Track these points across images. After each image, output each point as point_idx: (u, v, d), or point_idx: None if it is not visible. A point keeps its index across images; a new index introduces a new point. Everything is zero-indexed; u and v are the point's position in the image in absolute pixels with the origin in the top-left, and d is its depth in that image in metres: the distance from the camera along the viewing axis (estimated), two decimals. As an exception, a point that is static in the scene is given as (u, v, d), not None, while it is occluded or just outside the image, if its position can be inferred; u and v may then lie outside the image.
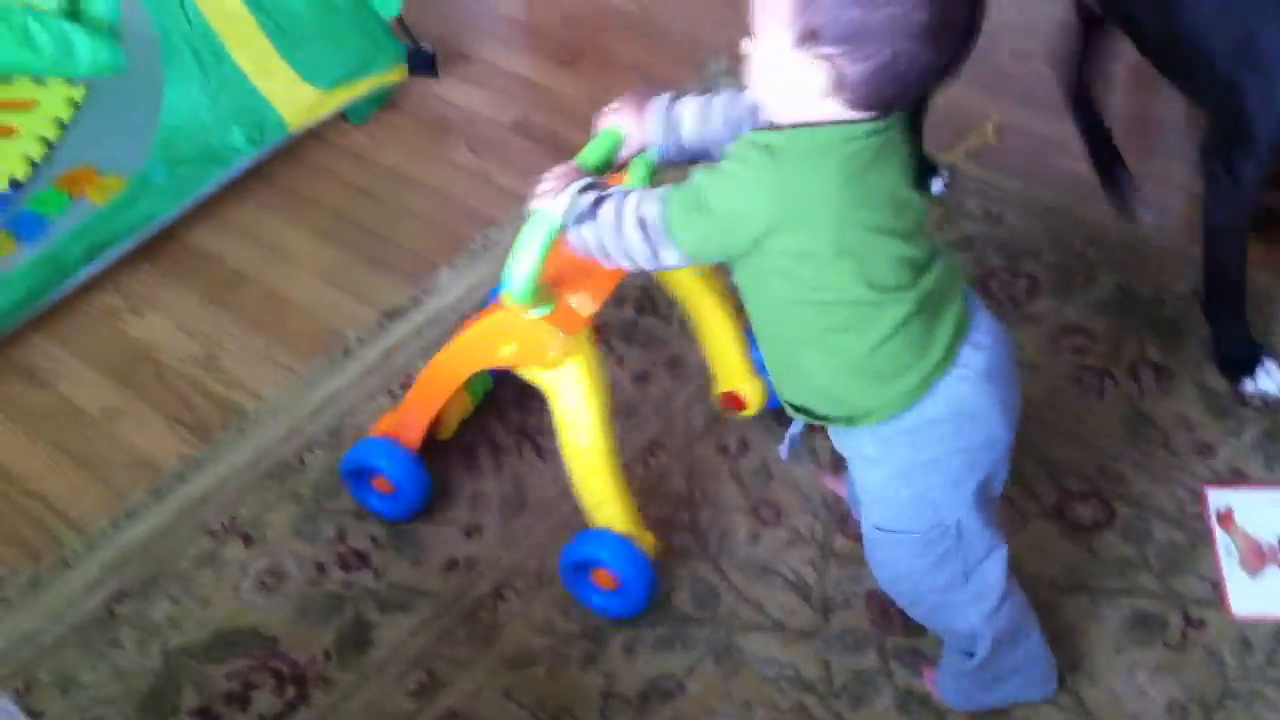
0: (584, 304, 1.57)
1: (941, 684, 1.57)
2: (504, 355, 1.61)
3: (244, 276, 2.21)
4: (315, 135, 2.46)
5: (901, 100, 1.19)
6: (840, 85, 1.16)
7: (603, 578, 1.65)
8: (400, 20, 2.52)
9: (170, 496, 1.86)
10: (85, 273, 2.16)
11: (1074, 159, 2.25)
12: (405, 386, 1.97)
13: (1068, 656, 1.59)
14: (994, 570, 1.39)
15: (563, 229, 1.37)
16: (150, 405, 2.00)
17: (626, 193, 1.30)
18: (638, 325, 2.06)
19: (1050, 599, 1.65)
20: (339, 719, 1.61)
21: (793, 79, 1.18)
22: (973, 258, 2.12)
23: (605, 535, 1.64)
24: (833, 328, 1.26)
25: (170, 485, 1.88)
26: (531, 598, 1.71)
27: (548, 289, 1.53)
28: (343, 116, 2.49)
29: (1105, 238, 2.12)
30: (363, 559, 1.77)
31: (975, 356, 1.29)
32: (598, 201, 1.32)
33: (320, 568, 1.76)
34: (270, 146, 2.37)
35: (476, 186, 2.37)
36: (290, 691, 1.63)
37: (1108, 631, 1.63)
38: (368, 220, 2.28)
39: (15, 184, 2.34)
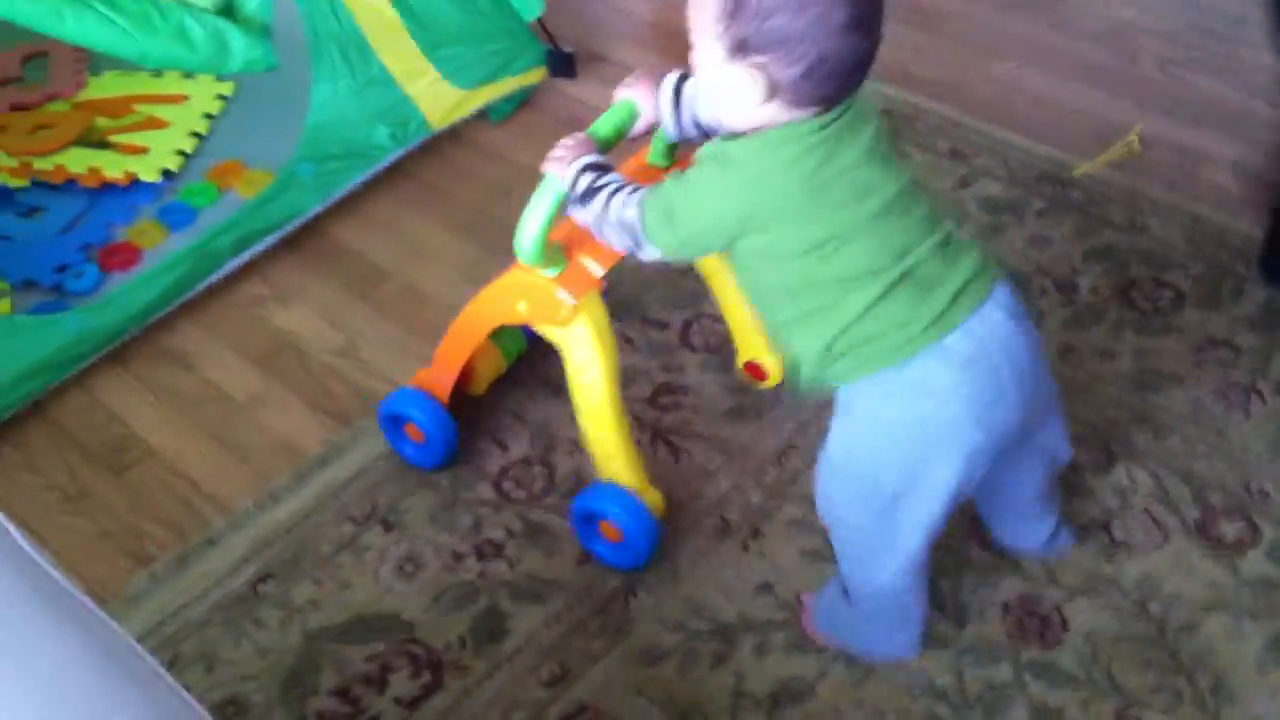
0: (594, 266, 1.63)
1: (816, 607, 1.64)
2: (519, 312, 1.69)
3: (383, 270, 2.26)
4: (455, 133, 2.51)
5: (842, 91, 1.25)
6: (777, 89, 1.23)
7: (609, 530, 1.72)
8: (540, 22, 2.56)
9: (312, 481, 1.91)
10: (233, 263, 2.22)
11: (1220, 171, 2.22)
12: (542, 380, 2.01)
13: (1206, 676, 1.56)
14: (913, 541, 1.43)
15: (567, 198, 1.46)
16: (293, 392, 2.06)
17: (618, 188, 1.41)
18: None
19: (1190, 617, 1.63)
20: (473, 705, 1.64)
21: (732, 89, 1.25)
22: (1115, 266, 2.09)
23: (612, 489, 1.71)
24: (805, 311, 1.34)
25: (312, 470, 1.92)
26: (663, 594, 1.73)
27: (559, 250, 1.60)
28: (482, 114, 2.53)
29: (1253, 251, 2.08)
30: (498, 549, 1.80)
31: (961, 342, 1.31)
32: (592, 189, 1.42)
33: (456, 556, 1.80)
34: (413, 144, 2.42)
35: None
36: (426, 676, 1.67)
37: (1250, 653, 1.60)
38: (505, 217, 2.28)
39: (167, 174, 2.43)
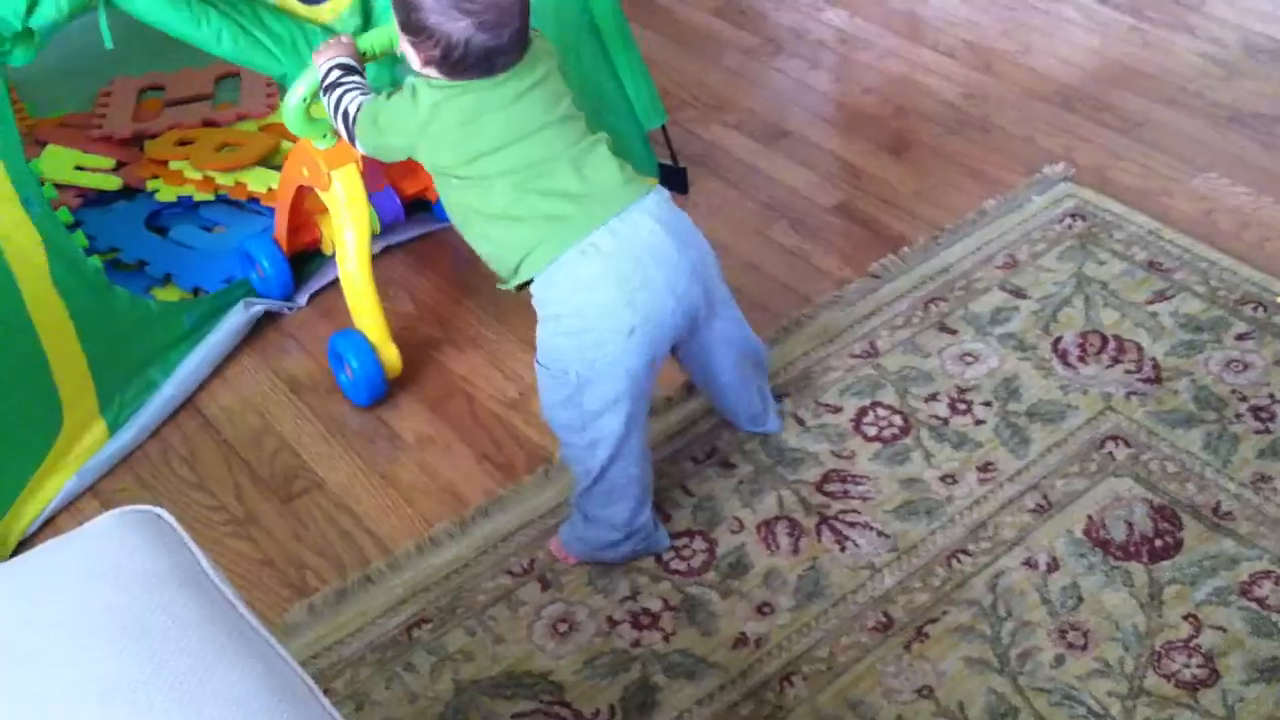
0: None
1: (561, 533, 1.88)
2: (305, 176, 2.14)
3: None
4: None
5: (480, 71, 1.65)
6: (428, 61, 1.66)
7: (347, 370, 2.12)
8: (664, 130, 2.53)
9: (474, 530, 1.93)
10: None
11: None
12: (709, 454, 2.02)
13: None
14: (612, 422, 1.71)
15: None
16: (462, 438, 2.09)
17: (352, 88, 1.84)
18: (949, 424, 2.05)
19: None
20: (617, 777, 1.63)
21: (406, 52, 1.70)
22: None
23: (354, 336, 2.11)
24: (472, 218, 1.73)
25: (475, 519, 1.95)
26: (820, 686, 1.71)
27: (325, 126, 2.02)
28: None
29: None
30: (654, 619, 1.80)
31: (606, 240, 1.64)
32: (335, 84, 1.86)
33: (611, 622, 1.80)
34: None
35: (794, 265, 2.40)
36: (572, 741, 1.67)
37: None
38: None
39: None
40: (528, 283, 1.71)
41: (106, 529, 1.32)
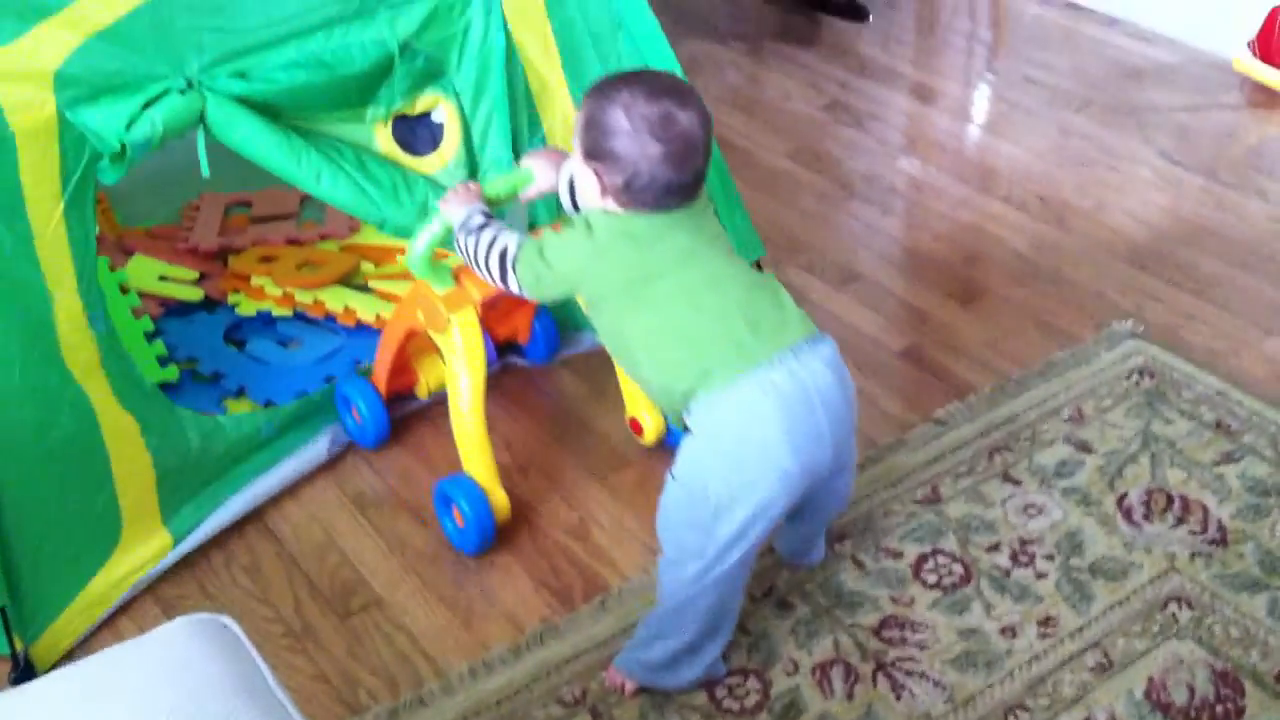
0: (474, 290, 2.08)
1: (621, 657, 1.89)
2: (419, 319, 2.14)
3: (625, 458, 2.32)
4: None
5: (657, 203, 1.70)
6: (608, 189, 1.70)
7: (458, 515, 2.09)
8: (758, 264, 2.58)
9: (528, 656, 1.95)
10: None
11: None
12: (766, 592, 2.03)
13: None
14: (732, 556, 1.71)
15: (453, 232, 1.89)
16: (521, 563, 2.12)
17: (504, 229, 1.84)
18: (1010, 575, 2.05)
19: None
20: None
21: (585, 180, 1.74)
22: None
23: (465, 481, 2.09)
24: (638, 348, 1.75)
25: (530, 645, 1.96)
26: (870, 836, 1.70)
27: (448, 272, 2.06)
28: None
29: None
30: (705, 759, 1.80)
31: (785, 380, 1.65)
32: (484, 225, 1.86)
33: (662, 758, 1.80)
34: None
35: (860, 406, 2.41)
36: None
37: None
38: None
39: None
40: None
41: (174, 635, 1.36)
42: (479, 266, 1.85)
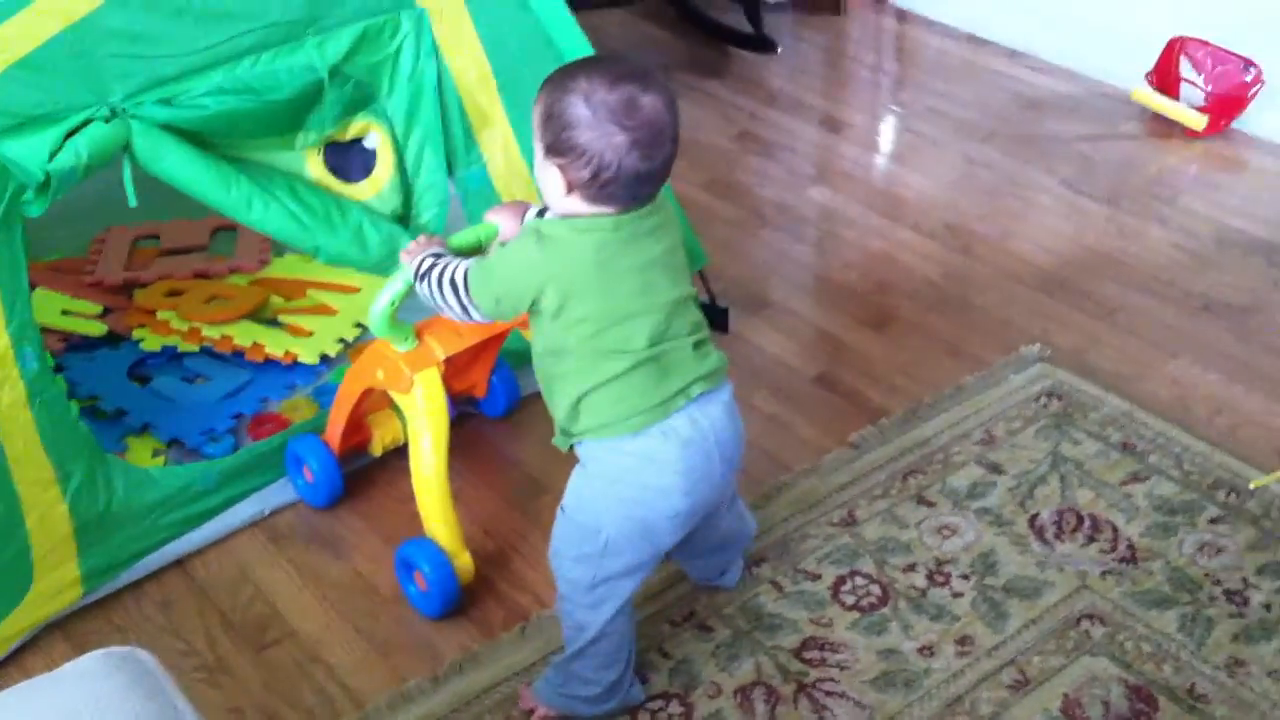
0: (437, 349, 2.04)
1: (536, 685, 1.89)
2: (378, 378, 2.08)
3: (543, 484, 2.33)
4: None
5: (627, 196, 1.63)
6: (573, 186, 1.61)
7: (419, 579, 2.04)
8: (701, 274, 2.64)
9: (447, 686, 1.95)
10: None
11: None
12: (687, 616, 2.04)
13: None
14: (626, 586, 1.77)
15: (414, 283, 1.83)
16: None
17: (451, 261, 1.78)
18: (927, 595, 2.08)
19: None
20: None
21: (545, 180, 1.65)
22: (1290, 585, 2.09)
23: (428, 545, 2.04)
24: (567, 371, 1.70)
25: (449, 675, 1.96)
26: None
27: (409, 331, 2.02)
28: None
29: None
30: (628, 784, 1.81)
31: (685, 426, 1.69)
32: (432, 266, 1.79)
33: (585, 785, 1.80)
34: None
35: (775, 432, 2.46)
36: None
37: None
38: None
39: (325, 358, 2.57)
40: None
41: (90, 669, 1.35)
42: (440, 304, 1.79)
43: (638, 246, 1.66)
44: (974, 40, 4.08)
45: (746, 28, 4.03)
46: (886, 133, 3.70)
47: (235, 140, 2.06)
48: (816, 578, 2.12)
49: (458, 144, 2.29)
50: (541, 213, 1.87)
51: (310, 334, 2.62)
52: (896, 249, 3.07)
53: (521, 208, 1.96)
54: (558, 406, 1.75)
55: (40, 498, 1.95)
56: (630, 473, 1.71)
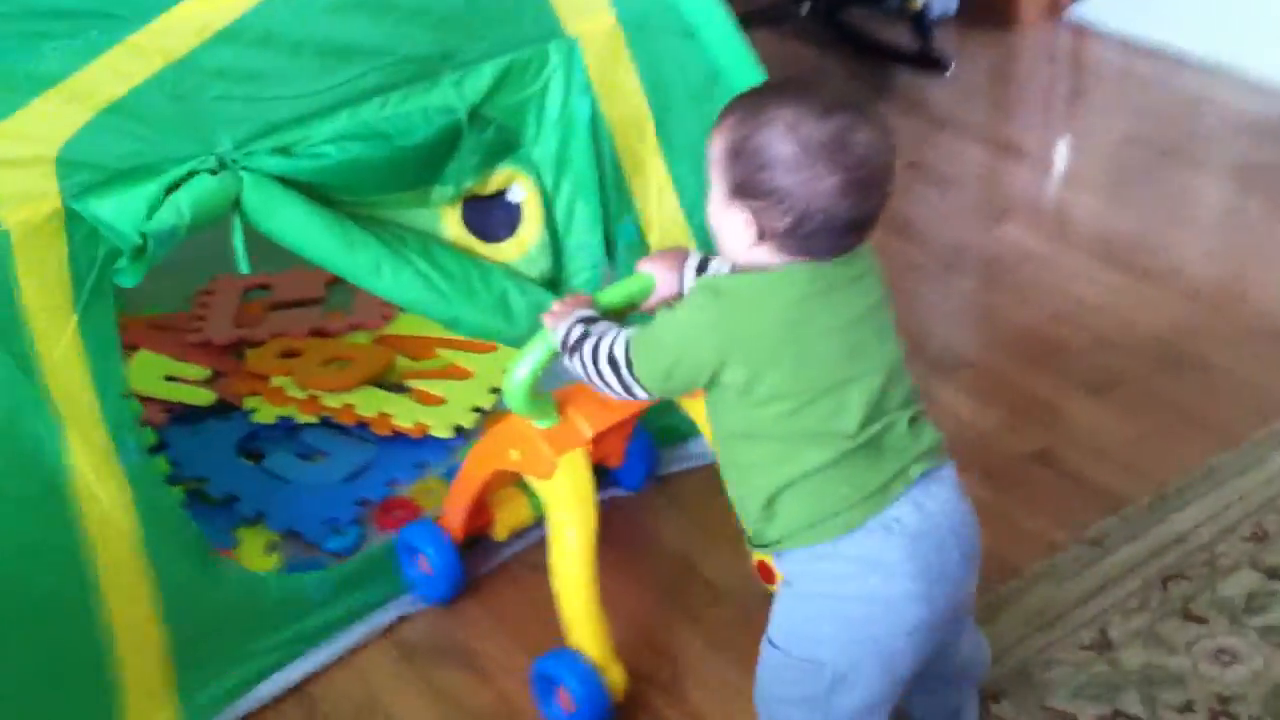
0: (584, 425, 1.76)
1: None
2: (512, 459, 1.80)
3: (697, 570, 2.03)
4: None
5: (831, 248, 1.37)
6: (766, 234, 1.36)
7: (565, 698, 1.72)
8: None
9: None
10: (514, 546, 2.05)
11: None
12: None
13: None
14: None
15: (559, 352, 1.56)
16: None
17: (606, 330, 1.50)
18: None
19: None
20: None
21: (729, 228, 1.39)
22: None
23: (573, 657, 1.73)
24: (758, 459, 1.42)
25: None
26: None
27: (550, 405, 1.73)
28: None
29: None
30: None
31: (910, 515, 1.39)
32: (584, 336, 1.51)
33: None
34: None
35: (994, 525, 2.06)
36: None
37: None
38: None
39: (459, 431, 2.26)
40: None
41: None
42: (596, 382, 1.51)
43: (840, 301, 1.40)
44: (1163, 55, 3.65)
45: (911, 44, 3.65)
46: (1078, 161, 3.31)
47: (361, 195, 1.75)
48: (1070, 718, 1.74)
49: (609, 194, 1.97)
50: (704, 263, 1.67)
51: (442, 401, 2.32)
52: (1110, 296, 2.66)
53: (679, 255, 1.70)
54: (746, 503, 1.46)
55: (133, 616, 1.65)
56: (850, 583, 1.40)
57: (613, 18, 1.92)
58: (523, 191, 1.90)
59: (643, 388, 1.46)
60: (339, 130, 1.68)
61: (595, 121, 1.91)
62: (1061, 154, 3.33)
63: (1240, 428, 2.25)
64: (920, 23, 3.60)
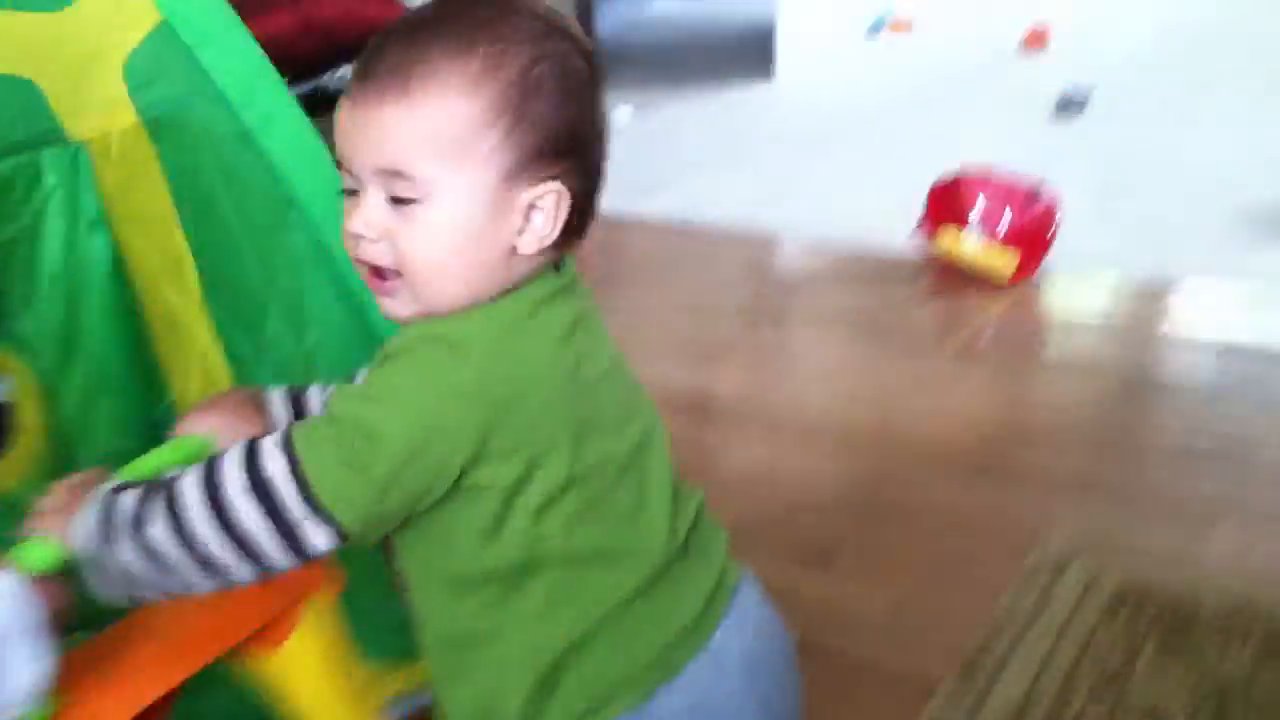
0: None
1: None
2: None
3: None
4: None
5: (578, 235, 0.99)
6: (568, 216, 0.95)
7: None
8: None
9: None
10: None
11: None
12: None
13: None
14: None
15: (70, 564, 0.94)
16: None
17: (207, 468, 0.91)
18: None
19: None
20: None
21: (503, 226, 0.94)
22: None
23: None
24: (523, 617, 0.97)
25: None
26: None
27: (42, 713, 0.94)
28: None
29: None
30: None
31: (734, 641, 1.04)
32: (149, 493, 0.92)
33: None
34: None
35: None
36: None
37: None
38: None
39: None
40: None
41: None
42: (220, 551, 0.89)
43: (593, 330, 1.00)
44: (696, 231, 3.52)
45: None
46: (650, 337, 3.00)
47: None
48: None
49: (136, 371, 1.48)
50: (298, 396, 1.13)
51: None
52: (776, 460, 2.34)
53: (238, 396, 1.13)
54: (505, 697, 0.98)
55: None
56: None
57: (133, 114, 1.35)
58: (10, 386, 1.38)
59: (334, 525, 0.89)
60: None
61: (116, 268, 1.38)
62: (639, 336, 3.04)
63: (1000, 571, 1.91)
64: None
